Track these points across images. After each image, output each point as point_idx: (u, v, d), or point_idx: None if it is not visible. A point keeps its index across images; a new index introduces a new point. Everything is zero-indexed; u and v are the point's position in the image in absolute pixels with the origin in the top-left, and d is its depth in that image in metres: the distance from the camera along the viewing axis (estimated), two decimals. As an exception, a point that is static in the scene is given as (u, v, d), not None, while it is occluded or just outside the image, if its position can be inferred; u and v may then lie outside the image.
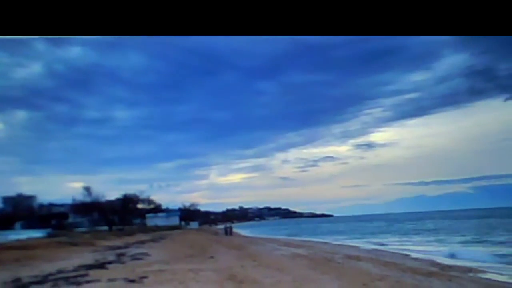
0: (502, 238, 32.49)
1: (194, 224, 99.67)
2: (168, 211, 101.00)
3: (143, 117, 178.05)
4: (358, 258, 18.50)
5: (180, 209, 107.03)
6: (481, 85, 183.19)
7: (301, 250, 24.14)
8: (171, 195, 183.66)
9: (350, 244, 33.37)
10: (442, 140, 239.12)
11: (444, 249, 26.00)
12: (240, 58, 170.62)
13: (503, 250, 24.03)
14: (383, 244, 32.51)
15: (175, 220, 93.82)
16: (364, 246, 29.62)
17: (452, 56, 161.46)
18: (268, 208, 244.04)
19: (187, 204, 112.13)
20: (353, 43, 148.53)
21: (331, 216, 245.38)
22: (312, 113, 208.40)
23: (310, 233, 60.71)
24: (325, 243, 35.65)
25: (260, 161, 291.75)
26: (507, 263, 18.00)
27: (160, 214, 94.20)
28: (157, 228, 71.92)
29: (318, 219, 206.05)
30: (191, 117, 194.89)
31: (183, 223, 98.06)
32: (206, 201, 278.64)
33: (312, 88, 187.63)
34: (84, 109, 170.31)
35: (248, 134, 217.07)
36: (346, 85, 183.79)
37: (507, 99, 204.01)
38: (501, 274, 13.59)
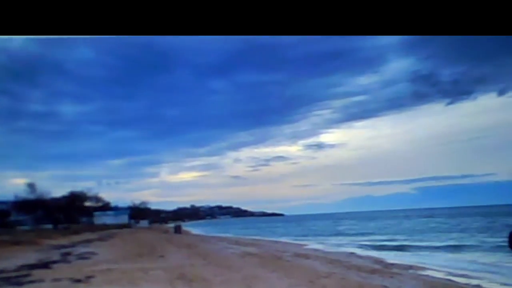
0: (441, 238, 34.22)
1: (144, 223, 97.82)
2: (117, 209, 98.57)
3: (90, 112, 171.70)
4: (306, 256, 18.96)
5: (129, 207, 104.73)
6: (424, 89, 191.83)
7: (251, 248, 24.39)
8: (120, 192, 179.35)
9: (300, 242, 34.03)
10: (388, 142, 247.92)
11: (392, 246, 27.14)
12: (192, 55, 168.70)
13: (440, 249, 25.35)
14: (330, 243, 33.41)
15: (124, 219, 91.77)
16: (312, 245, 30.31)
17: (397, 61, 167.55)
18: (220, 207, 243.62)
19: (137, 202, 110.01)
20: (304, 44, 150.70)
21: (281, 215, 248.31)
22: (264, 112, 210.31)
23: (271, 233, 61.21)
24: (275, 241, 36.15)
25: (212, 159, 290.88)
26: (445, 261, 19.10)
27: (108, 212, 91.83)
28: (105, 227, 70.08)
29: (269, 218, 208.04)
30: (141, 114, 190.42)
31: (132, 221, 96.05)
32: (156, 199, 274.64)
33: (263, 87, 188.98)
34: (27, 102, 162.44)
35: (200, 133, 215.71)
36: (297, 86, 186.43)
37: (448, 103, 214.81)
38: (438, 271, 14.39)
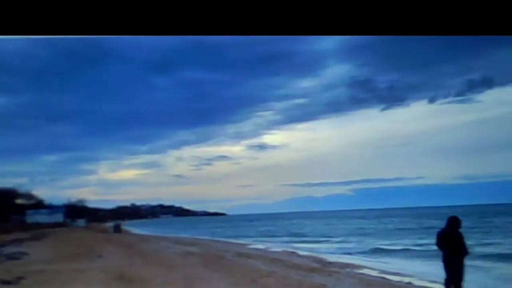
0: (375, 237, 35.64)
1: (81, 222, 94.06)
2: (51, 207, 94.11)
3: (22, 105, 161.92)
4: (248, 256, 19.09)
5: (65, 205, 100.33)
6: (361, 95, 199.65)
7: (193, 248, 24.19)
8: (55, 190, 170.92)
9: (242, 242, 34.19)
10: (327, 144, 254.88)
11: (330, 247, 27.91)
12: (133, 50, 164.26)
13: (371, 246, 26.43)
14: (272, 242, 33.85)
15: (59, 217, 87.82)
16: (254, 244, 30.55)
17: (336, 66, 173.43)
18: (161, 206, 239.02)
19: (74, 200, 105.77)
20: (248, 45, 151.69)
21: (224, 214, 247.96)
22: (206, 111, 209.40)
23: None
24: (217, 241, 36.09)
25: (153, 157, 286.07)
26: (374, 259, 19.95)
27: (42, 210, 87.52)
28: (38, 226, 66.71)
29: (212, 217, 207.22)
30: (78, 108, 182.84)
31: (68, 220, 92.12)
32: (95, 198, 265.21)
33: (206, 86, 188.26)
34: None
35: (140, 130, 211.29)
36: (240, 86, 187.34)
37: (383, 109, 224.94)
38: (373, 270, 15.00)
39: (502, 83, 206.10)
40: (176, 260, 17.30)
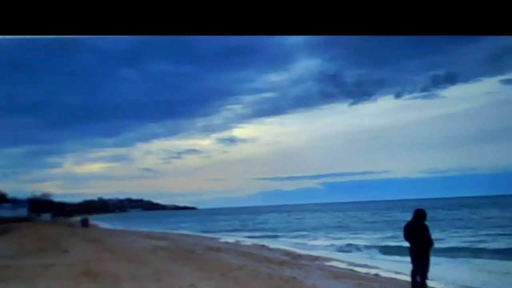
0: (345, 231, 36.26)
1: (46, 216, 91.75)
2: (15, 202, 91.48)
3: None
4: (218, 249, 19.06)
5: (29, 199, 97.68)
6: (330, 89, 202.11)
7: (162, 242, 23.98)
8: (18, 183, 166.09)
9: (212, 236, 34.12)
10: (296, 138, 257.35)
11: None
12: (99, 40, 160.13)
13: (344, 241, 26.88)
14: (243, 236, 33.94)
15: (23, 212, 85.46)
16: (225, 238, 30.54)
17: (305, 60, 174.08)
18: (130, 200, 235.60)
19: (38, 194, 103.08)
20: (217, 38, 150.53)
21: (194, 208, 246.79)
22: (175, 104, 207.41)
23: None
24: (187, 235, 35.90)
25: (121, 150, 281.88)
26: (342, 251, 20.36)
27: (5, 205, 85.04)
28: (1, 220, 64.72)
29: (182, 211, 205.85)
30: (42, 99, 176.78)
31: (33, 214, 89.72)
32: (61, 191, 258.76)
33: (175, 79, 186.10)
34: None
35: (107, 122, 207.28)
36: (209, 79, 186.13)
37: (351, 104, 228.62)
38: (342, 262, 15.24)
39: (465, 79, 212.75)
40: (145, 254, 17.12)
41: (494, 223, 35.40)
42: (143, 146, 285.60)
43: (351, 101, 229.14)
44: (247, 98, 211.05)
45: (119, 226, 59.98)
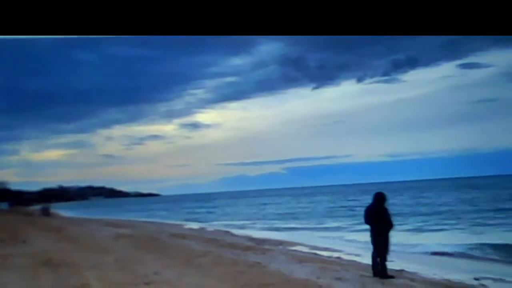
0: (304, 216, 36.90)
1: (3, 205, 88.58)
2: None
3: None
4: (183, 236, 19.03)
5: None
6: (293, 73, 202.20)
7: (125, 230, 23.69)
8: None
9: (176, 223, 33.98)
10: (260, 123, 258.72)
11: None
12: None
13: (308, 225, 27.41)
14: (207, 222, 33.99)
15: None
16: (189, 225, 30.49)
17: (268, 44, 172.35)
18: (91, 187, 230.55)
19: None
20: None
21: (157, 195, 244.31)
22: (136, 89, 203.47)
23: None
24: (151, 222, 35.59)
25: (81, 137, 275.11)
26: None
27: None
28: (-46, 210, 62.03)
29: (145, 198, 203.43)
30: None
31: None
32: (18, 179, 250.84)
33: (134, 63, 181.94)
34: None
35: (65, 107, 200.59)
36: (170, 63, 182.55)
37: (314, 88, 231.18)
38: (305, 246, 15.54)
39: (425, 64, 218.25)
40: (107, 242, 16.88)
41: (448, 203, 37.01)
42: (104, 132, 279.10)
43: (314, 85, 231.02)
44: (209, 83, 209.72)
45: (80, 215, 58.73)
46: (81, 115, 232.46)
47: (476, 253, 14.06)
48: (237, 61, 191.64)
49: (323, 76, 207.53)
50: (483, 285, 8.72)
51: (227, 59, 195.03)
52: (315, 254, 13.27)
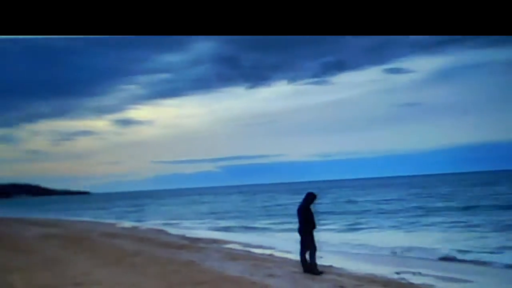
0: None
1: None
2: None
3: None
4: (114, 236, 18.58)
5: None
6: (228, 72, 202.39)
7: (53, 229, 22.68)
8: None
9: (107, 222, 32.99)
10: (194, 121, 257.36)
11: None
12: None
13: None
14: (140, 221, 33.31)
15: None
16: (121, 224, 29.74)
17: (202, 42, 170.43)
18: (15, 185, 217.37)
19: None
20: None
21: (88, 193, 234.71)
22: (64, 82, 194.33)
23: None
24: (81, 221, 34.29)
25: (3, 131, 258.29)
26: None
27: None
28: None
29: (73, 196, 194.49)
30: None
31: None
32: None
33: (61, 55, 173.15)
34: None
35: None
36: (100, 56, 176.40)
37: (248, 87, 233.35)
38: (239, 244, 15.78)
39: (353, 67, 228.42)
40: (34, 243, 16.13)
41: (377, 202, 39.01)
42: (29, 127, 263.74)
43: (248, 84, 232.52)
44: (142, 79, 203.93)
45: (3, 214, 55.18)
46: (3, 109, 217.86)
47: (398, 250, 14.96)
48: (171, 58, 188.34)
49: (256, 76, 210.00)
50: (403, 278, 9.37)
51: (161, 55, 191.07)
52: (249, 251, 13.54)
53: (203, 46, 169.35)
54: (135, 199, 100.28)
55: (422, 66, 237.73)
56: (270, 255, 12.65)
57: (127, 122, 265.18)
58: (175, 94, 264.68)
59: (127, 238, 17.51)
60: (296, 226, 9.54)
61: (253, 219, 30.10)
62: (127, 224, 29.49)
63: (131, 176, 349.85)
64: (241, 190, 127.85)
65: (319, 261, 9.39)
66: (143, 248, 13.64)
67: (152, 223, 29.97)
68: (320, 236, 9.20)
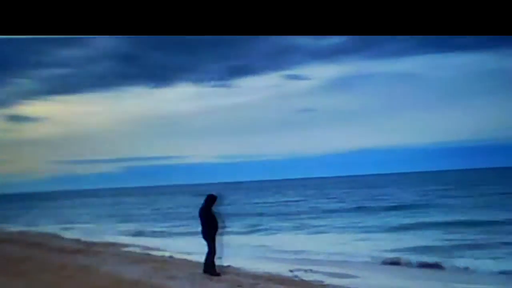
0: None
1: None
2: None
3: None
4: (1, 240, 17.22)
5: None
6: (130, 71, 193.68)
7: None
8: None
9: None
10: (95, 120, 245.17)
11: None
12: None
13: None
14: (31, 225, 31.06)
15: None
16: (12, 228, 27.47)
17: (103, 38, 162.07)
18: None
19: None
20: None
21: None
22: None
23: None
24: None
25: None
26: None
27: None
28: None
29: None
30: None
31: None
32: None
33: None
34: None
35: None
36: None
37: (153, 87, 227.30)
38: (137, 247, 15.54)
39: (256, 72, 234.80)
40: None
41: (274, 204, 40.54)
42: None
43: (152, 84, 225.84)
44: (37, 73, 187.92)
45: None
46: None
47: (294, 250, 15.80)
48: (70, 53, 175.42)
49: (160, 76, 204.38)
50: (296, 276, 10.02)
51: (58, 49, 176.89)
52: (148, 254, 13.42)
53: (103, 42, 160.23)
54: (27, 201, 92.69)
55: (319, 73, 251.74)
56: (170, 257, 12.67)
57: (18, 119, 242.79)
58: (73, 91, 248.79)
59: (15, 243, 16.32)
60: (199, 228, 9.68)
61: (154, 222, 29.66)
62: (16, 228, 27.29)
63: (23, 177, 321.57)
64: (143, 192, 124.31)
65: (218, 262, 9.64)
66: (33, 254, 12.85)
67: (44, 227, 28.08)
68: (220, 238, 9.42)
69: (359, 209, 31.90)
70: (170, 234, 21.86)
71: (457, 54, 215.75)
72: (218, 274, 9.26)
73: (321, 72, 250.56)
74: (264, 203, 45.47)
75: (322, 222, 24.93)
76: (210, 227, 9.32)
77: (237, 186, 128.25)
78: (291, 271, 10.51)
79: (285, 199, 51.75)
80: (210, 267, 9.30)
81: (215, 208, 9.44)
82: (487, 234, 17.28)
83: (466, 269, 11.61)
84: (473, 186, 54.41)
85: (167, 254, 13.38)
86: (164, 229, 25.05)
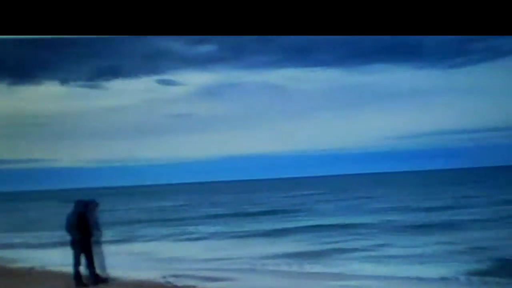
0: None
1: None
2: None
3: None
4: None
5: None
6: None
7: None
8: None
9: None
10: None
11: None
12: None
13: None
14: None
15: None
16: None
17: None
18: None
19: None
20: None
21: None
22: None
23: None
24: None
25: None
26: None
27: None
28: None
29: None
30: None
31: None
32: None
33: None
34: None
35: None
36: None
37: (11, 84, 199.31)
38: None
39: (127, 75, 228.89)
40: None
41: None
42: None
43: (10, 80, 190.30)
44: None
45: None
46: None
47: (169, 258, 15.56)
48: None
49: (21, 73, 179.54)
50: (168, 282, 9.91)
51: None
52: (3, 267, 12.17)
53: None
54: None
55: (192, 80, 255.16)
56: (31, 269, 11.65)
57: None
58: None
59: None
60: (67, 238, 9.05)
61: (14, 232, 26.83)
62: None
63: None
64: (4, 198, 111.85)
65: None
66: None
67: None
68: (96, 246, 8.90)
69: (236, 215, 32.64)
70: (34, 245, 20.02)
71: (314, 69, 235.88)
72: (105, 280, 8.77)
73: (194, 79, 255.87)
74: (141, 208, 44.10)
75: (201, 228, 25.01)
76: (83, 235, 8.75)
77: (111, 191, 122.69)
78: (163, 277, 10.38)
79: (161, 204, 51.04)
80: (93, 275, 8.75)
81: (89, 215, 8.93)
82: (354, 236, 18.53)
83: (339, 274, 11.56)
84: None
85: (27, 266, 12.27)
86: (24, 240, 22.76)
